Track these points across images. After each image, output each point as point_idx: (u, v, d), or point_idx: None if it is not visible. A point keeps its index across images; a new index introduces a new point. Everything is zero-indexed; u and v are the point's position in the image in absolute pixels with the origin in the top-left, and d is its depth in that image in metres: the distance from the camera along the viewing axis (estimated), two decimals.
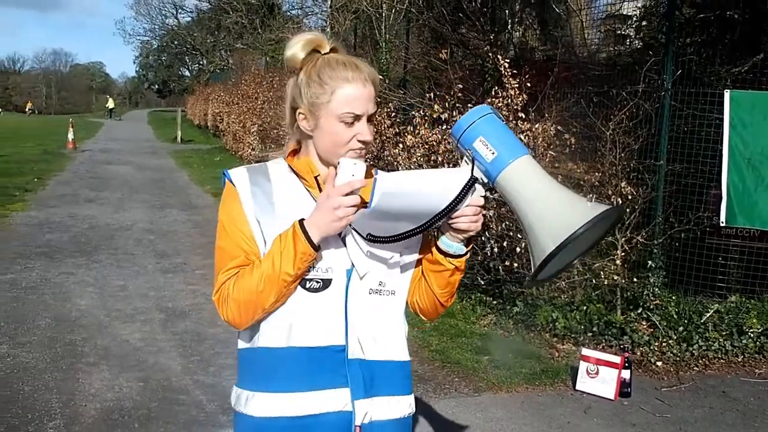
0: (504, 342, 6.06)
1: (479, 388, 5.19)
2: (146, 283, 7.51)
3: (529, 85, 6.51)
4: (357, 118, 1.79)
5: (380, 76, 9.48)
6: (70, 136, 23.26)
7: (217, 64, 40.71)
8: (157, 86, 70.25)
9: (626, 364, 5.09)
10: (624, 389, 5.09)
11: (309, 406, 1.79)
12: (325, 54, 1.83)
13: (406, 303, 1.96)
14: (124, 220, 11.08)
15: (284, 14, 33.81)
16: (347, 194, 1.69)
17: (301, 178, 1.87)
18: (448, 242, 1.84)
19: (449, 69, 7.58)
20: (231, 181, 1.85)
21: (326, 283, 1.79)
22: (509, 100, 6.50)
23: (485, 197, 1.76)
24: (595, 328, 5.92)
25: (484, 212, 1.82)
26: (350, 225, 1.75)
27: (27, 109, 63.50)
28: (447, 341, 6.06)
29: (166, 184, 15.84)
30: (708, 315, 6.02)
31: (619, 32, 11.68)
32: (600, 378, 5.09)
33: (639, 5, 10.41)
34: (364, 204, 1.72)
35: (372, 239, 1.77)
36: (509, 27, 10.79)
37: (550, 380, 5.36)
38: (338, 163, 1.72)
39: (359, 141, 1.80)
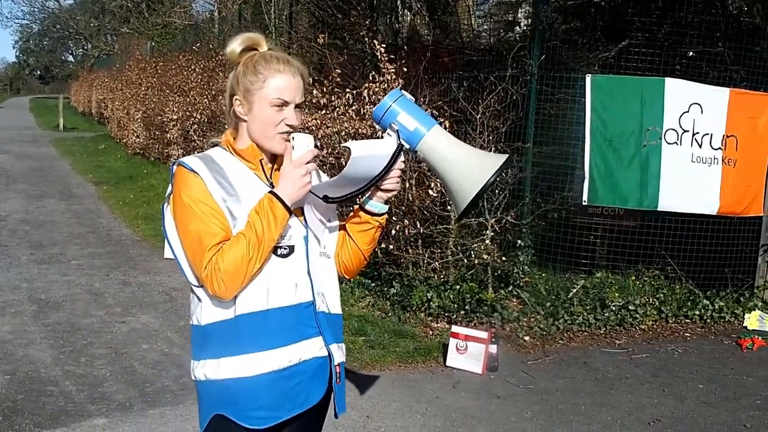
0: (380, 322, 6.16)
1: (353, 368, 5.27)
2: (19, 275, 7.30)
3: (405, 69, 6.60)
4: (285, 104, 2.08)
5: None
6: None
7: (102, 49, 39.31)
8: (39, 72, 67.40)
9: (493, 340, 5.27)
10: (492, 363, 5.28)
11: (292, 357, 2.09)
12: (262, 51, 2.13)
13: None
14: None
15: None
16: (308, 162, 2.03)
17: (246, 161, 2.14)
18: (375, 203, 2.23)
19: (327, 54, 7.61)
20: (192, 170, 2.06)
21: (291, 249, 2.10)
22: (386, 85, 6.58)
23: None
24: (467, 306, 6.09)
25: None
26: (311, 191, 2.08)
27: None
28: None
29: (45, 173, 15.25)
30: (574, 291, 6.30)
31: (503, 18, 11.98)
32: (468, 353, 5.26)
33: None
34: None
35: (329, 200, 2.14)
36: (398, 12, 10.89)
37: (422, 358, 5.49)
38: (292, 138, 2.05)
39: (287, 125, 2.09)
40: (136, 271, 7.67)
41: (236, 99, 2.11)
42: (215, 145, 2.22)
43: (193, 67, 13.26)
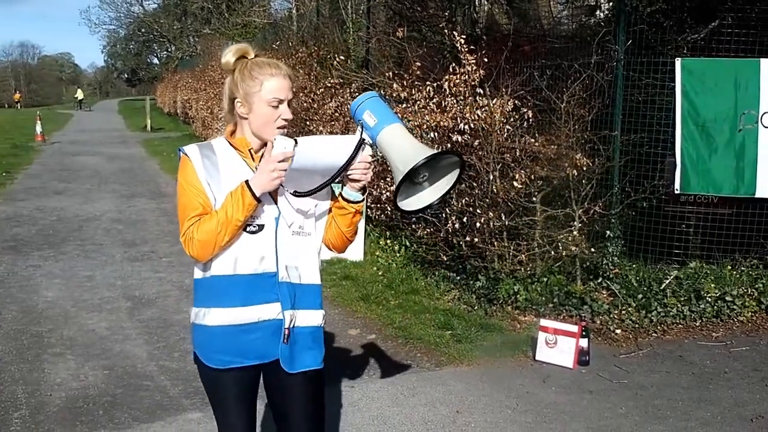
0: (467, 316, 6.11)
1: (441, 362, 5.25)
2: (113, 273, 7.52)
3: (486, 60, 6.51)
4: (280, 102, 2.44)
5: (343, 57, 9.48)
6: (38, 129, 23.10)
7: (185, 50, 40.35)
8: (126, 75, 69.43)
9: (584, 333, 5.16)
10: (582, 358, 5.17)
11: (251, 316, 2.48)
12: (251, 58, 2.49)
13: (322, 242, 2.64)
14: (93, 210, 11.07)
15: None
16: (281, 161, 2.30)
17: (238, 151, 2.52)
18: (349, 191, 2.54)
19: (407, 47, 7.57)
20: (186, 155, 2.48)
21: (261, 228, 2.47)
22: (466, 76, 6.51)
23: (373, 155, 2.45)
24: (555, 299, 5.99)
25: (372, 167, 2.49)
26: (282, 185, 2.39)
27: (16, 102, 62.35)
28: (411, 318, 6.11)
29: (135, 173, 15.78)
30: (667, 282, 6.10)
31: (584, 3, 11.70)
32: (558, 347, 5.16)
33: None
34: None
35: (296, 194, 2.44)
36: (476, 2, 10.77)
37: (510, 352, 5.43)
38: (274, 139, 2.32)
39: (283, 119, 2.46)
40: None
41: (237, 101, 2.47)
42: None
43: (222, 69, 13.37)
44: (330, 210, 2.63)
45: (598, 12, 10.94)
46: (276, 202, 2.49)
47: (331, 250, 2.70)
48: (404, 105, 7.02)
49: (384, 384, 4.88)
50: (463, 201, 6.44)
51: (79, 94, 55.23)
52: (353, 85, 9.35)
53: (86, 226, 9.89)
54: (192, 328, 2.59)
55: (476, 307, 6.22)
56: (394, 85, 7.14)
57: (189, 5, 38.20)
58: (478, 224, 6.24)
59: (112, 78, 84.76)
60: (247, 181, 2.37)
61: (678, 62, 5.96)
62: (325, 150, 2.40)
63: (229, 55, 2.50)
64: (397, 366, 5.19)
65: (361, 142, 2.39)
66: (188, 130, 24.79)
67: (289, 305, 2.51)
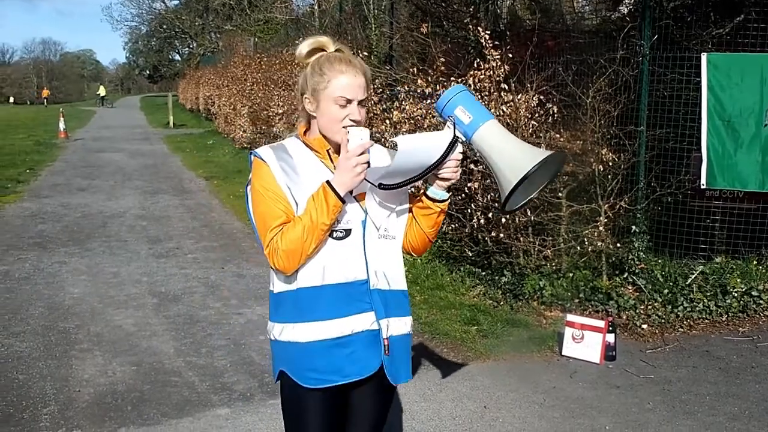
0: (493, 311, 6.13)
1: (467, 357, 5.27)
2: (139, 269, 7.55)
3: (510, 56, 6.51)
4: (349, 102, 2.29)
5: (366, 53, 9.50)
6: (62, 125, 23.32)
7: (207, 46, 40.53)
8: (148, 72, 69.91)
9: (610, 328, 5.16)
10: (609, 353, 5.17)
11: (344, 328, 2.31)
12: (330, 52, 2.35)
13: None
14: (117, 207, 11.13)
15: None
16: (360, 154, 2.19)
17: (315, 151, 2.37)
18: (435, 190, 2.39)
19: (431, 43, 7.58)
20: (261, 159, 2.33)
21: (348, 233, 2.32)
22: (491, 72, 6.51)
23: (465, 162, 2.28)
24: (581, 295, 5.99)
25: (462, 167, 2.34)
26: (365, 179, 2.24)
27: (44, 98, 62.87)
28: (436, 313, 6.13)
29: (158, 169, 15.85)
30: (693, 277, 6.09)
31: None
32: (585, 343, 5.17)
33: None
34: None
35: (383, 187, 2.28)
36: None
37: (537, 347, 5.44)
38: (347, 131, 2.21)
39: (351, 120, 2.29)
40: (249, 263, 7.83)
41: (306, 97, 2.35)
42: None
43: (296, 61, 13.44)
44: (410, 210, 2.48)
45: (620, 7, 10.88)
46: (361, 205, 2.36)
47: (410, 252, 2.54)
48: (429, 101, 7.03)
49: (412, 379, 4.89)
50: (488, 196, 6.45)
51: (102, 91, 55.68)
52: (377, 81, 9.36)
53: (110, 222, 9.95)
54: (273, 344, 2.44)
55: (502, 303, 6.23)
56: (419, 81, 7.15)
57: (211, 1, 38.35)
58: (503, 220, 6.25)
59: (134, 74, 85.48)
60: (328, 181, 2.22)
61: (704, 57, 5.94)
62: (421, 149, 2.27)
63: (302, 47, 2.38)
64: (424, 361, 5.22)
65: (454, 141, 2.27)
66: (210, 127, 24.93)
67: (383, 313, 2.36)
